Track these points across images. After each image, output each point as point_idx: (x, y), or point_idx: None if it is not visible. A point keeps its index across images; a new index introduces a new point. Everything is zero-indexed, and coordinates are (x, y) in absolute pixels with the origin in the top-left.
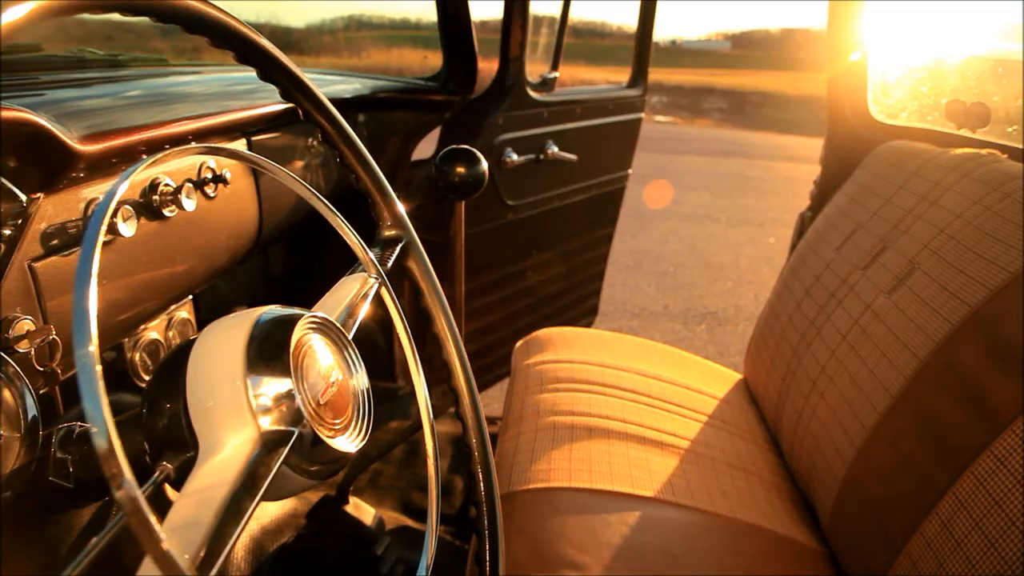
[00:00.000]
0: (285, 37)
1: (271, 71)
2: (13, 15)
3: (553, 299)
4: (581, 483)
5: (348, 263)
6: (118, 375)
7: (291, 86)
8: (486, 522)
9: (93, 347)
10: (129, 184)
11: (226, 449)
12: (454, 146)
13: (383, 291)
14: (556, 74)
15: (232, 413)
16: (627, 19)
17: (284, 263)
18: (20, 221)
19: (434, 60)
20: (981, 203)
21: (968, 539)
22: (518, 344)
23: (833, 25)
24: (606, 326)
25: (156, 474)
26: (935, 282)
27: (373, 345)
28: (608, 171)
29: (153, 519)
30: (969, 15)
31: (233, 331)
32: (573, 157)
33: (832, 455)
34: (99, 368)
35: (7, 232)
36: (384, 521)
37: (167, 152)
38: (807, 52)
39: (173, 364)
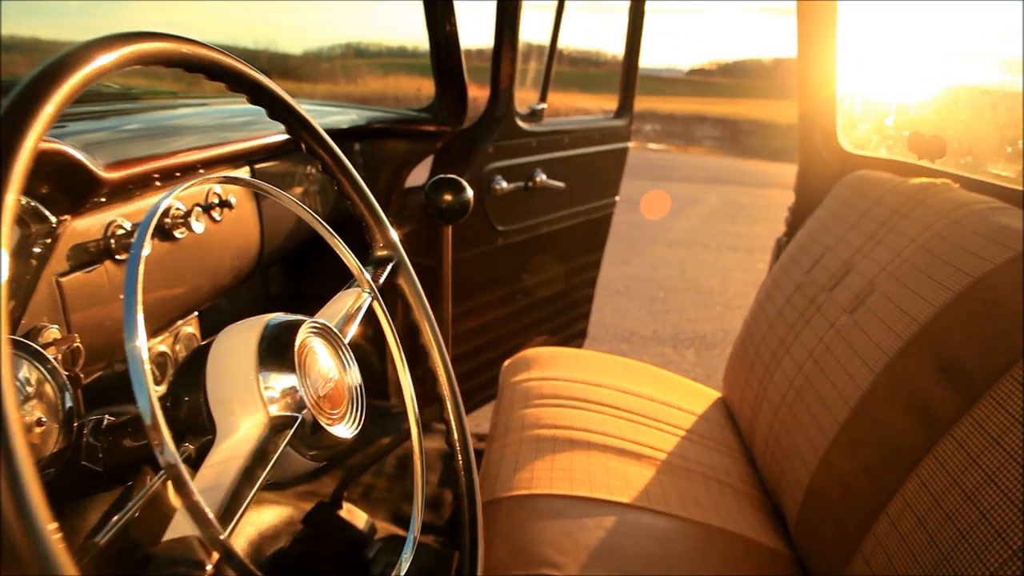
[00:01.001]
0: (283, 64)
1: (279, 111)
2: (98, 62)
3: (542, 322)
4: (561, 490)
5: (341, 284)
6: (128, 385)
7: (296, 124)
8: (467, 517)
9: (140, 341)
10: (142, 208)
11: (240, 431)
12: (442, 176)
13: (375, 305)
14: (544, 105)
15: (246, 402)
16: (621, 49)
17: (282, 284)
18: (50, 240)
19: (428, 90)
20: (932, 228)
21: (912, 535)
22: (506, 363)
23: (803, 59)
24: (596, 349)
25: (180, 452)
26: (891, 302)
27: (367, 365)
28: (596, 198)
29: (188, 476)
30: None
31: (246, 333)
32: (561, 185)
33: (798, 464)
34: (145, 357)
35: (37, 250)
36: (376, 528)
37: (201, 179)
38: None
39: (193, 362)
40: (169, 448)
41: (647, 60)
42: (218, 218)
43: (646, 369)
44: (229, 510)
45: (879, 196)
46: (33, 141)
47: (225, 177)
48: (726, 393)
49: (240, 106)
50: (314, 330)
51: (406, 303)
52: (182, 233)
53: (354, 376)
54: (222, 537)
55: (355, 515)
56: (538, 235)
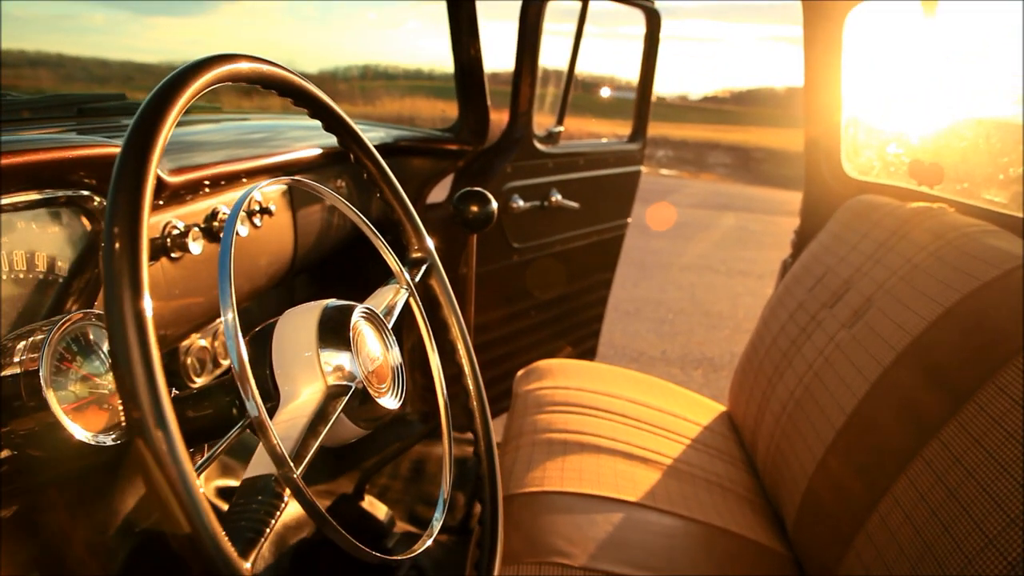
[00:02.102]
0: None
1: (333, 124)
2: (207, 76)
3: (553, 338)
4: (571, 488)
5: (363, 293)
6: (170, 375)
7: (348, 137)
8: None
9: (232, 313)
10: (194, 211)
11: (302, 397)
12: (469, 188)
13: (411, 300)
14: (561, 128)
15: (307, 373)
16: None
17: (307, 292)
18: None
19: (450, 112)
20: (927, 249)
21: (900, 530)
22: (519, 373)
23: (810, 88)
24: None
25: (247, 417)
26: (886, 317)
27: None
28: (608, 219)
29: (269, 423)
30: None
31: (307, 314)
32: (575, 205)
33: (797, 469)
34: (237, 326)
35: None
36: (395, 520)
37: (276, 179)
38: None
39: (260, 339)
40: (255, 397)
41: (661, 87)
42: (259, 224)
43: (654, 382)
44: (299, 455)
45: (879, 219)
46: (162, 140)
47: (296, 180)
48: (731, 407)
49: (278, 122)
50: (364, 314)
51: (435, 299)
52: None
53: (396, 356)
54: (295, 476)
55: (376, 507)
56: (552, 253)
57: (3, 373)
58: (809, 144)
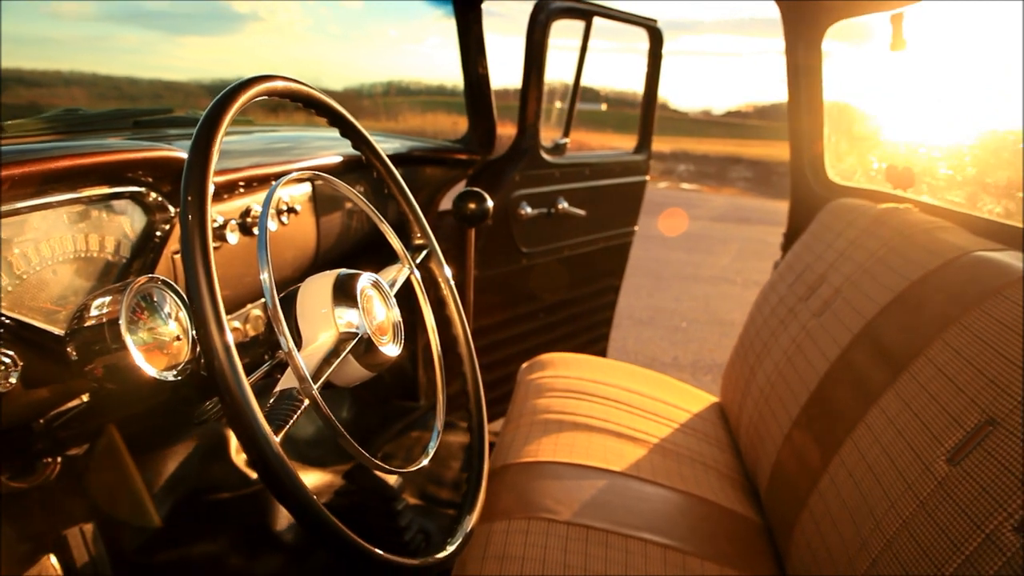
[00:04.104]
0: None
1: (348, 131)
2: (250, 92)
3: (563, 339)
4: (562, 458)
5: None
6: None
7: (359, 141)
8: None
9: (268, 272)
10: (231, 207)
11: (319, 340)
12: (468, 189)
13: (412, 277)
14: (567, 140)
15: (323, 323)
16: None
17: None
18: (168, 227)
19: (462, 125)
20: (888, 244)
21: (844, 485)
22: (524, 365)
23: (793, 101)
24: None
25: (277, 356)
26: (848, 304)
27: (399, 371)
28: (615, 227)
29: (296, 351)
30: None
31: (324, 279)
32: (582, 212)
33: (769, 444)
34: (273, 283)
35: (159, 233)
36: (404, 486)
37: (290, 176)
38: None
39: (288, 298)
40: (285, 334)
41: (684, 102)
42: (286, 221)
43: (651, 374)
44: (315, 375)
45: (853, 219)
46: (217, 147)
47: (315, 174)
48: (721, 397)
49: (301, 133)
50: (371, 281)
51: (434, 280)
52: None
53: (396, 315)
54: (312, 390)
55: (387, 475)
56: (560, 258)
57: (87, 324)
58: (794, 152)
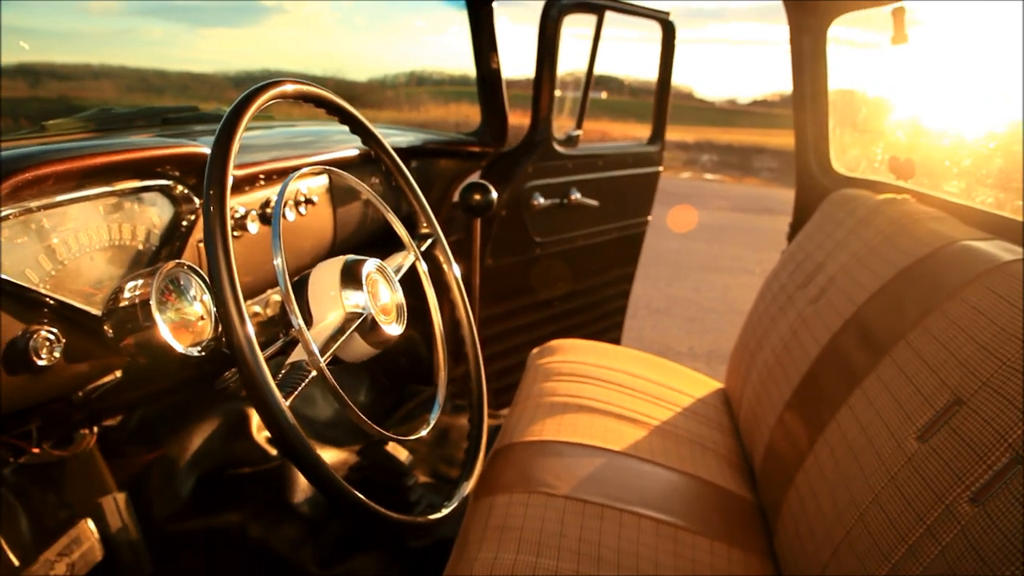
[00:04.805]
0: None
1: (357, 128)
2: (266, 96)
3: (576, 327)
4: (564, 438)
5: None
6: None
7: (368, 137)
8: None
9: (281, 258)
10: (252, 199)
11: (328, 319)
12: (473, 180)
13: (416, 264)
14: (579, 132)
15: (332, 304)
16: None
17: None
18: (194, 217)
19: (476, 117)
20: (882, 233)
21: (826, 464)
22: (534, 350)
23: (798, 91)
24: None
25: (290, 333)
26: (842, 292)
27: (415, 356)
28: (628, 217)
29: (305, 328)
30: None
31: (333, 264)
32: (595, 203)
33: (764, 427)
34: (285, 267)
35: (185, 223)
36: (415, 462)
37: (302, 171)
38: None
39: (300, 282)
40: (296, 313)
41: (710, 91)
42: (304, 212)
43: (659, 361)
44: (323, 350)
45: (852, 209)
46: (236, 145)
47: (327, 167)
48: (726, 383)
49: (317, 128)
50: (376, 266)
51: (438, 266)
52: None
53: (400, 298)
54: (321, 363)
55: (399, 450)
56: (573, 247)
57: (121, 304)
58: (799, 143)
